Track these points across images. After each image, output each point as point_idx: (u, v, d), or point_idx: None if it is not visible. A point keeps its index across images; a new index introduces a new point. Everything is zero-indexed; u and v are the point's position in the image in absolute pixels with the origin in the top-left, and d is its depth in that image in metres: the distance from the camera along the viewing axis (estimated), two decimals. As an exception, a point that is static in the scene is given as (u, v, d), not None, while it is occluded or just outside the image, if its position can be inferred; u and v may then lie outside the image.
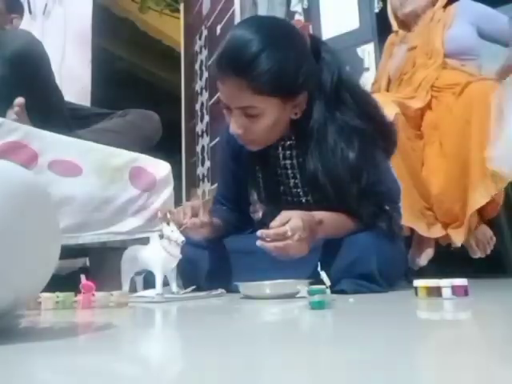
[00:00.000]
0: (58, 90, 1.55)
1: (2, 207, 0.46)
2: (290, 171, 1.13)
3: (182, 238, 1.00)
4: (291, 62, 0.95)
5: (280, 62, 0.93)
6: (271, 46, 0.93)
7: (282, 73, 0.93)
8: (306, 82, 0.97)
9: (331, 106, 1.02)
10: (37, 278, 0.53)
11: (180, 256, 1.01)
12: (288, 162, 1.13)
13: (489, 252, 1.56)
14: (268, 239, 0.91)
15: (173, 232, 1.00)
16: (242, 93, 0.94)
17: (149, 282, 1.10)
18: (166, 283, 1.03)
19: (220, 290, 1.08)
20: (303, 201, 1.14)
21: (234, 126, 1.00)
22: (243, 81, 0.92)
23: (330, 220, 1.02)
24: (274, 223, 0.93)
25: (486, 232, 1.58)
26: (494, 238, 1.58)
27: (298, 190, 1.14)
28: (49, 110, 1.46)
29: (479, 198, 1.40)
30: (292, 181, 1.14)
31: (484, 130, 1.43)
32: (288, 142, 1.11)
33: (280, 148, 1.12)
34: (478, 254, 1.56)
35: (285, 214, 0.94)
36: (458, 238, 1.51)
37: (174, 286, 1.05)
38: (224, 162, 1.30)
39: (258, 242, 0.92)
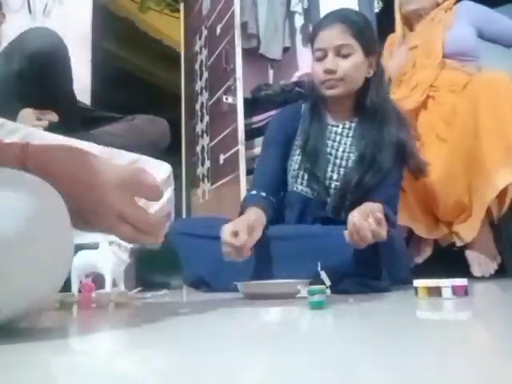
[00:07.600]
0: (72, 94, 1.57)
1: (17, 216, 0.46)
2: (341, 146, 1.29)
3: (130, 245, 1.04)
4: (374, 31, 1.35)
5: (370, 26, 1.33)
6: (366, 18, 1.35)
7: (370, 31, 1.31)
8: (376, 49, 1.31)
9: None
10: (51, 282, 0.53)
11: (128, 260, 1.07)
12: (343, 138, 1.30)
13: (492, 272, 1.50)
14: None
15: None
16: (343, 34, 1.25)
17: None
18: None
19: (164, 291, 1.19)
20: (341, 173, 1.25)
21: (329, 65, 1.25)
22: (345, 26, 1.24)
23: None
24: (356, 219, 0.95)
25: (491, 249, 1.53)
26: (499, 258, 1.52)
27: (344, 162, 1.26)
28: (60, 111, 1.46)
29: (502, 180, 1.40)
30: (340, 155, 1.27)
31: (494, 120, 1.43)
32: (349, 124, 1.32)
33: (341, 125, 1.32)
34: (478, 273, 1.49)
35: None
36: (467, 231, 1.48)
37: (121, 288, 1.08)
38: (272, 140, 1.38)
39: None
